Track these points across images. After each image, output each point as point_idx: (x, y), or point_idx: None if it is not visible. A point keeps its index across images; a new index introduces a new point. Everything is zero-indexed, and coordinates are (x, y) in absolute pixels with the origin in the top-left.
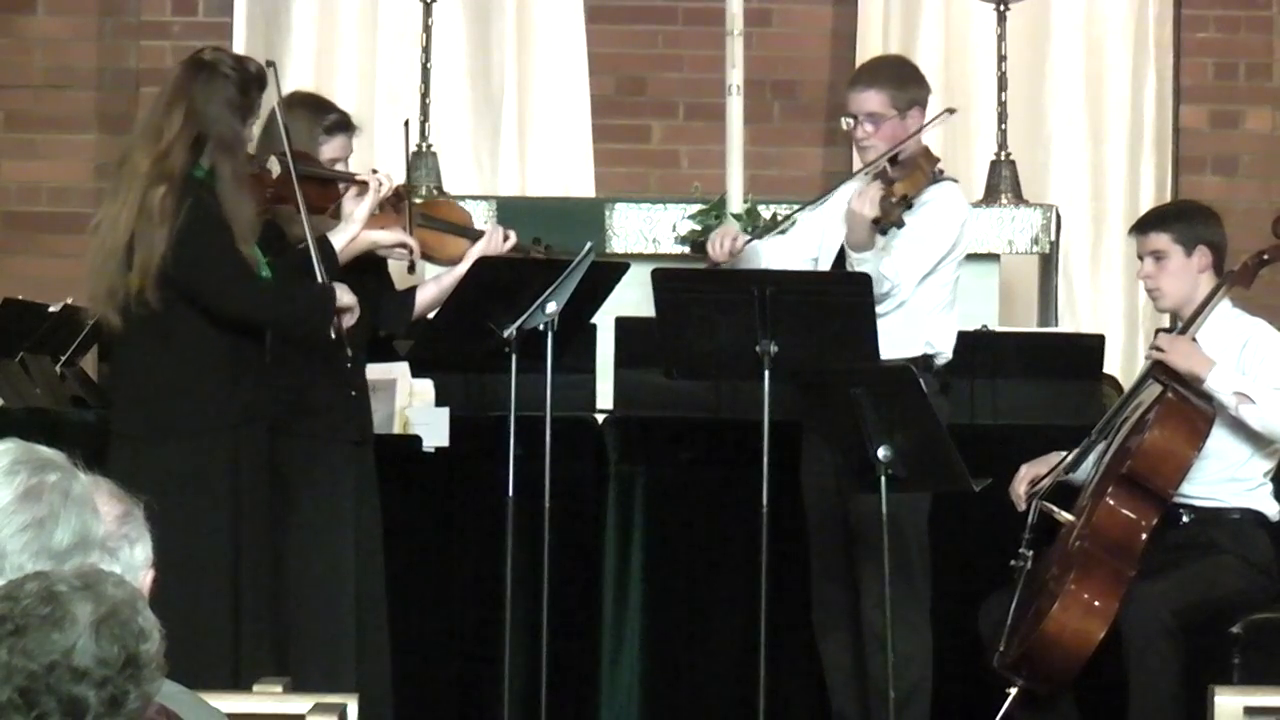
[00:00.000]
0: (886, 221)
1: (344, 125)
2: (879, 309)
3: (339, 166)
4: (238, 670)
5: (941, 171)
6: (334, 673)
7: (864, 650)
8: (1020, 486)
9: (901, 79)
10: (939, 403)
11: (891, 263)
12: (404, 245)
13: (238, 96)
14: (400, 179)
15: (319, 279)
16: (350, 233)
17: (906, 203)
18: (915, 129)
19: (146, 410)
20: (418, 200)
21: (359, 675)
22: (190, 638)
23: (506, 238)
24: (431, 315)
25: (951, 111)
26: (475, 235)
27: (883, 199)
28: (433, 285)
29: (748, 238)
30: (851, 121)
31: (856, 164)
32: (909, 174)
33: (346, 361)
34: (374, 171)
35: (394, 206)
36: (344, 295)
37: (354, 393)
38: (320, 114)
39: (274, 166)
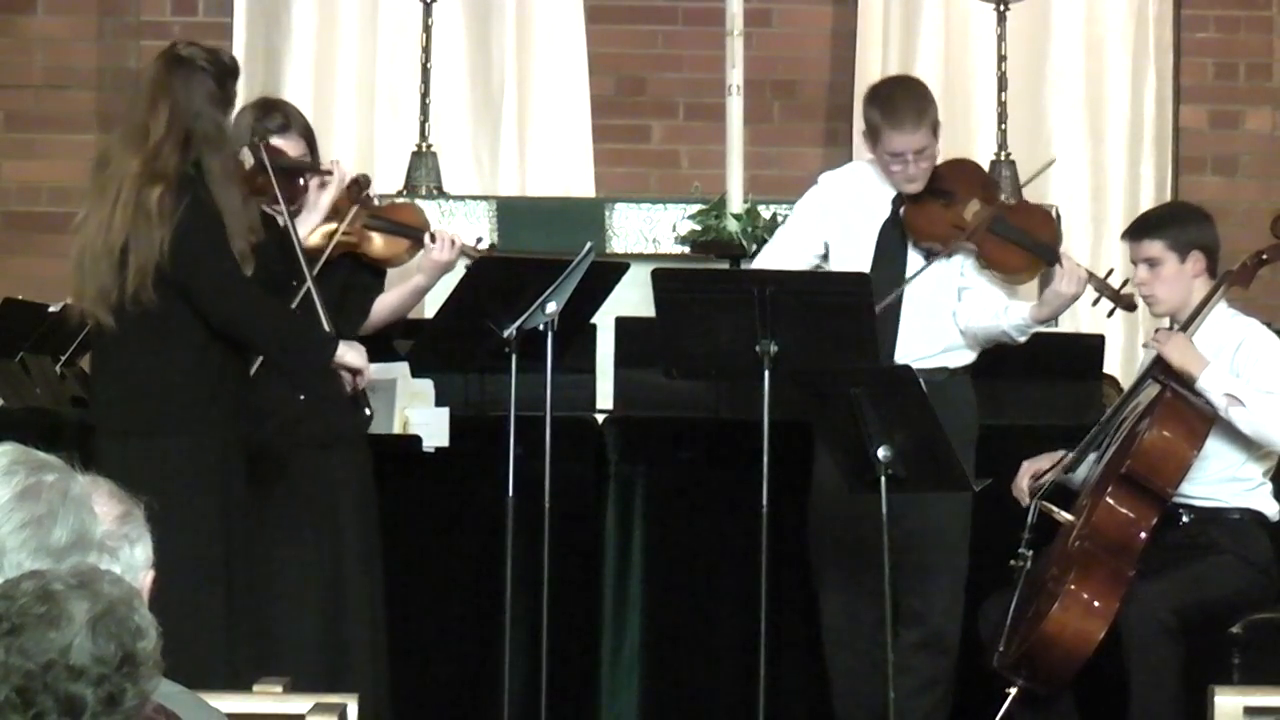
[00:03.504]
0: None
1: (286, 126)
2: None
3: None
4: (236, 669)
5: None
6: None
7: (881, 657)
8: (1023, 481)
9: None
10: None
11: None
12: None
13: (216, 90)
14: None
15: (324, 325)
16: (312, 221)
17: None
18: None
19: (137, 408)
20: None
21: (355, 678)
22: (187, 637)
23: (454, 243)
24: (431, 315)
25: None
26: (415, 235)
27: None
28: (394, 292)
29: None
30: (904, 161)
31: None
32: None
33: None
34: (331, 162)
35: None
36: (355, 357)
37: (302, 396)
38: (265, 114)
39: (246, 158)
